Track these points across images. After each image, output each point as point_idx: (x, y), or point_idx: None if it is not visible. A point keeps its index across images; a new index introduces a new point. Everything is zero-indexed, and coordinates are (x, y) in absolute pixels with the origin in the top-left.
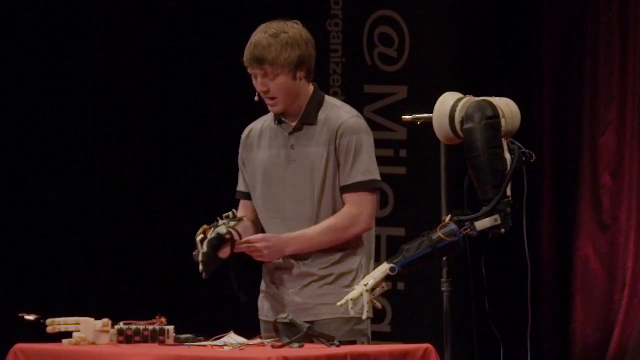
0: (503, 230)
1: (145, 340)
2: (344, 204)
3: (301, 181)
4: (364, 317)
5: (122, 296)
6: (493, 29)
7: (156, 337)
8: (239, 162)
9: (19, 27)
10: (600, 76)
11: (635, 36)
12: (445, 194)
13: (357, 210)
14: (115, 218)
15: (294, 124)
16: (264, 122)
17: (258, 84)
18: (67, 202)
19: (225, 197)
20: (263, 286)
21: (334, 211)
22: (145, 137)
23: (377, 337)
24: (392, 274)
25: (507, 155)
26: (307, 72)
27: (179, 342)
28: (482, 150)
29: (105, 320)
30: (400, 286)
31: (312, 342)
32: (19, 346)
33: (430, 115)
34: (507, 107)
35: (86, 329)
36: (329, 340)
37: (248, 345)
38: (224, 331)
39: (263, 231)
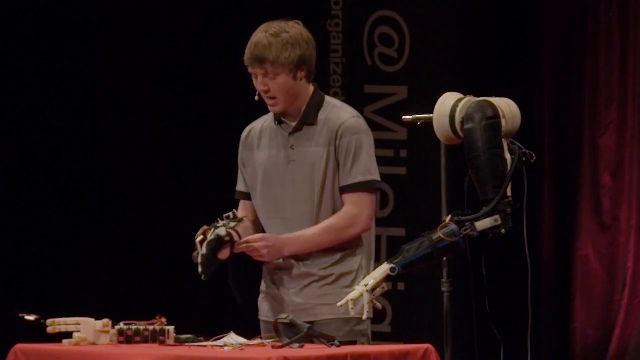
0: (503, 230)
1: (145, 340)
2: (343, 204)
3: (301, 181)
4: (364, 317)
5: (122, 296)
6: (493, 29)
7: (156, 337)
8: (238, 162)
9: (19, 27)
10: (600, 76)
11: (635, 36)
12: (445, 194)
13: (357, 211)
14: (115, 218)
15: (293, 124)
16: (264, 122)
17: (258, 83)
18: (67, 202)
19: (225, 197)
20: (263, 286)
21: (334, 211)
22: (145, 137)
23: (377, 337)
24: (392, 274)
25: (507, 155)
26: (307, 72)
27: (179, 342)
28: (482, 150)
29: (105, 320)
30: (400, 286)
31: (312, 342)
32: (19, 346)
33: (430, 115)
34: (507, 107)
35: (86, 329)
36: (329, 340)
37: (248, 345)
38: (224, 331)
39: (263, 231)
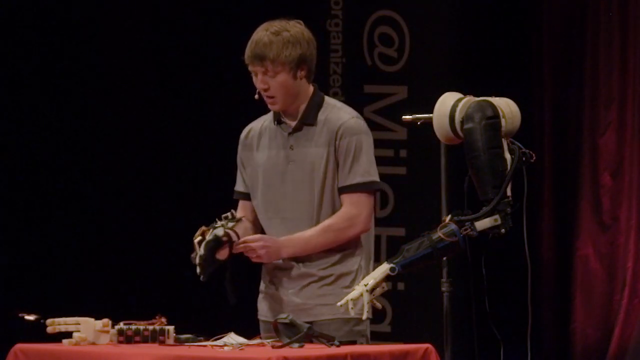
0: (503, 230)
1: (145, 340)
2: (342, 205)
3: (300, 181)
4: (364, 317)
5: (122, 296)
6: (493, 29)
7: (156, 337)
8: (237, 162)
9: (19, 27)
10: (600, 76)
11: (635, 36)
12: (445, 194)
13: (355, 212)
14: (115, 218)
15: (293, 125)
16: (264, 122)
17: (258, 81)
18: (67, 202)
19: (225, 197)
20: (262, 286)
21: (334, 212)
22: (145, 137)
23: (377, 337)
24: (392, 274)
25: (507, 155)
26: (307, 72)
27: (179, 342)
28: (482, 150)
29: (105, 320)
30: (400, 286)
31: (311, 342)
32: (19, 346)
33: (430, 115)
34: (507, 107)
35: (86, 329)
36: (329, 340)
37: (248, 345)
38: (224, 331)
39: (263, 232)
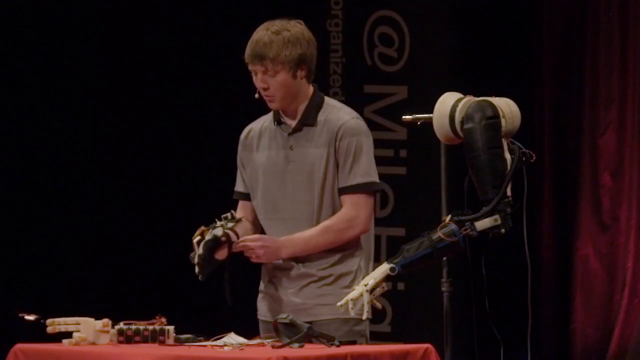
0: (503, 230)
1: (145, 340)
2: (342, 206)
3: (300, 182)
4: (364, 317)
5: (122, 296)
6: (493, 29)
7: (156, 337)
8: (237, 162)
9: (19, 27)
10: (600, 76)
11: (635, 36)
12: (445, 194)
13: (355, 213)
14: (115, 218)
15: (293, 125)
16: (263, 123)
17: (258, 80)
18: (67, 202)
19: (225, 197)
20: (262, 286)
21: (334, 212)
22: (145, 137)
23: (377, 337)
24: (392, 274)
25: (507, 155)
26: (307, 72)
27: (179, 342)
28: (482, 150)
29: (105, 320)
30: (400, 286)
31: (311, 342)
32: (19, 346)
33: (430, 115)
34: (507, 107)
35: (86, 329)
36: (329, 340)
37: (248, 345)
38: (224, 331)
39: (263, 232)
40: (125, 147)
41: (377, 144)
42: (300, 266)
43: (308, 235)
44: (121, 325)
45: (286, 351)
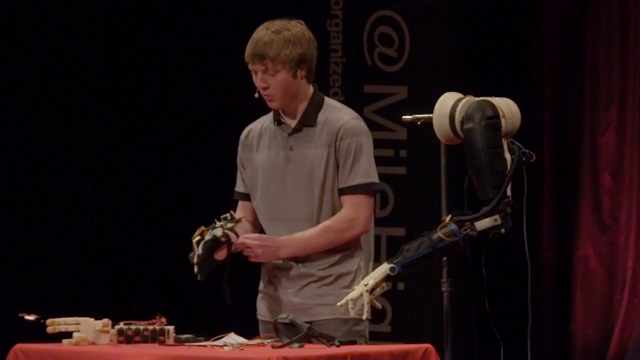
0: (503, 230)
1: (145, 340)
2: (342, 206)
3: (300, 182)
4: (364, 317)
5: (122, 296)
6: (493, 29)
7: (156, 337)
8: (237, 162)
9: (19, 27)
10: (600, 76)
11: (635, 36)
12: (445, 194)
13: (355, 213)
14: (115, 218)
15: (293, 125)
16: (263, 123)
17: (258, 79)
18: (67, 202)
19: (225, 198)
20: (261, 286)
21: (334, 213)
22: (145, 137)
23: (377, 337)
24: (392, 274)
25: (507, 155)
26: (307, 72)
27: (179, 342)
28: (482, 150)
29: (105, 320)
30: (400, 286)
31: (311, 342)
32: (19, 346)
33: (430, 115)
34: (507, 107)
35: (86, 329)
36: (329, 340)
37: (248, 345)
38: (224, 331)
39: (263, 232)
40: (125, 147)
41: (377, 144)
42: (300, 266)
43: (308, 235)
44: (121, 325)
45: (286, 351)
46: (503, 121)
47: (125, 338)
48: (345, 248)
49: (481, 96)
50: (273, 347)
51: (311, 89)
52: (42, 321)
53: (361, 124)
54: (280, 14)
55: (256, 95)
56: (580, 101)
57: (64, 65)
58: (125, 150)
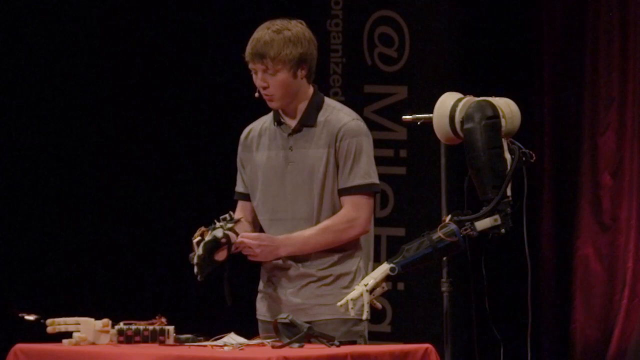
0: (503, 230)
1: (145, 340)
2: (342, 207)
3: (300, 182)
4: (364, 317)
5: (122, 296)
6: (493, 29)
7: (156, 337)
8: (237, 162)
9: (19, 27)
10: (600, 76)
11: (635, 36)
12: (445, 194)
13: (355, 214)
14: (115, 218)
15: (293, 125)
16: (263, 123)
17: (258, 79)
18: (67, 202)
19: (225, 198)
20: (261, 286)
21: (334, 213)
22: (145, 137)
23: (377, 337)
24: (392, 274)
25: (507, 155)
26: (308, 72)
27: (179, 342)
28: (482, 150)
29: (105, 320)
30: (400, 286)
31: (310, 342)
32: (19, 346)
33: (430, 115)
34: (507, 107)
35: (86, 329)
36: (329, 340)
37: (248, 345)
38: (224, 331)
39: (262, 232)
40: (125, 147)
41: (377, 144)
42: (299, 266)
43: (307, 235)
44: (121, 325)
45: (286, 351)
46: (503, 121)
47: (125, 338)
48: (344, 248)
49: (481, 96)
50: (273, 347)
51: (311, 89)
52: (42, 321)
53: (361, 125)
54: (280, 13)
55: (256, 94)
56: (580, 101)
57: (64, 65)
58: (126, 150)
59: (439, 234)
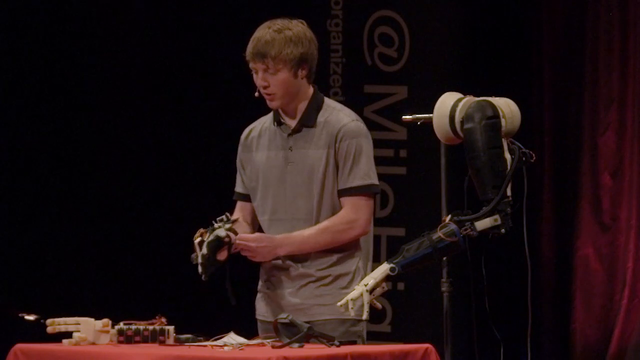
0: (503, 230)
1: (145, 340)
2: (341, 207)
3: (299, 183)
4: (364, 317)
5: (122, 296)
6: (493, 29)
7: (156, 337)
8: (237, 163)
9: (19, 27)
10: (600, 76)
11: (635, 36)
12: (445, 194)
13: (354, 215)
14: (115, 218)
15: (292, 126)
16: (263, 123)
17: (258, 78)
18: (67, 202)
19: (225, 198)
20: (260, 286)
21: (334, 214)
22: (145, 138)
23: (377, 337)
24: (392, 274)
25: (507, 155)
26: (308, 72)
27: (179, 342)
28: (482, 150)
29: (105, 320)
30: (400, 286)
31: (310, 342)
32: (19, 346)
33: (430, 115)
34: (507, 107)
35: (86, 329)
36: (329, 340)
37: (248, 345)
38: (224, 331)
39: (261, 232)
40: (125, 147)
41: (377, 144)
42: (298, 266)
43: (306, 235)
44: (121, 325)
45: (286, 351)
46: (503, 121)
47: (125, 338)
48: (344, 248)
49: (481, 96)
50: (273, 347)
51: (311, 90)
52: (42, 321)
53: (361, 126)
54: (281, 13)
55: (256, 94)
56: (580, 101)
57: (64, 65)
58: (126, 151)
59: (439, 234)
